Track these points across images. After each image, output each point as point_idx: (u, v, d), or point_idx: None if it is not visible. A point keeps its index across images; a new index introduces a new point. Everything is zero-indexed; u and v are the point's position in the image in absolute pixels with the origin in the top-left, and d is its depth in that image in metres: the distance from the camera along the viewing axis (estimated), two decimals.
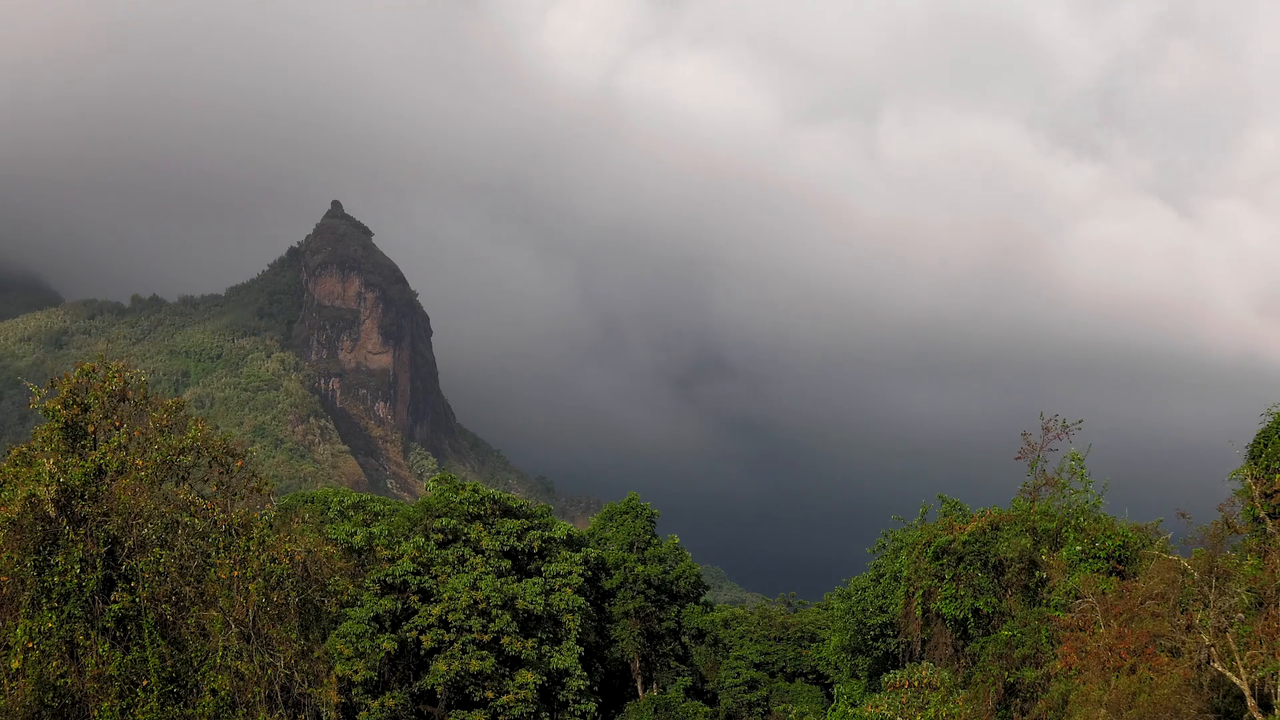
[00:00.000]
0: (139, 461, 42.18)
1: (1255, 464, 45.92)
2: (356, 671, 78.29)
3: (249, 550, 42.64)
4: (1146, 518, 54.58)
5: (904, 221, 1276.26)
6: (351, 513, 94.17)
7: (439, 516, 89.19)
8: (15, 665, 38.89)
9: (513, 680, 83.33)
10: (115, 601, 40.52)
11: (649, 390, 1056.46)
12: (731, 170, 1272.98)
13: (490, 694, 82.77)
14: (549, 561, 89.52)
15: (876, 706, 66.76)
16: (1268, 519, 44.92)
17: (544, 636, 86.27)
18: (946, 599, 54.86)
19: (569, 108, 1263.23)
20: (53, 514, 40.27)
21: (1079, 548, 51.52)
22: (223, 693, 40.96)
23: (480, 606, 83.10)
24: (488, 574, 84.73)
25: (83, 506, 40.74)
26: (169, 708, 40.40)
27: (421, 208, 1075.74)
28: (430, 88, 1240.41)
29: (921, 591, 56.64)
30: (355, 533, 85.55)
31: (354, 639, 79.53)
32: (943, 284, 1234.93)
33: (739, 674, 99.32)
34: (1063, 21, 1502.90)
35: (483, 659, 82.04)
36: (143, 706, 39.81)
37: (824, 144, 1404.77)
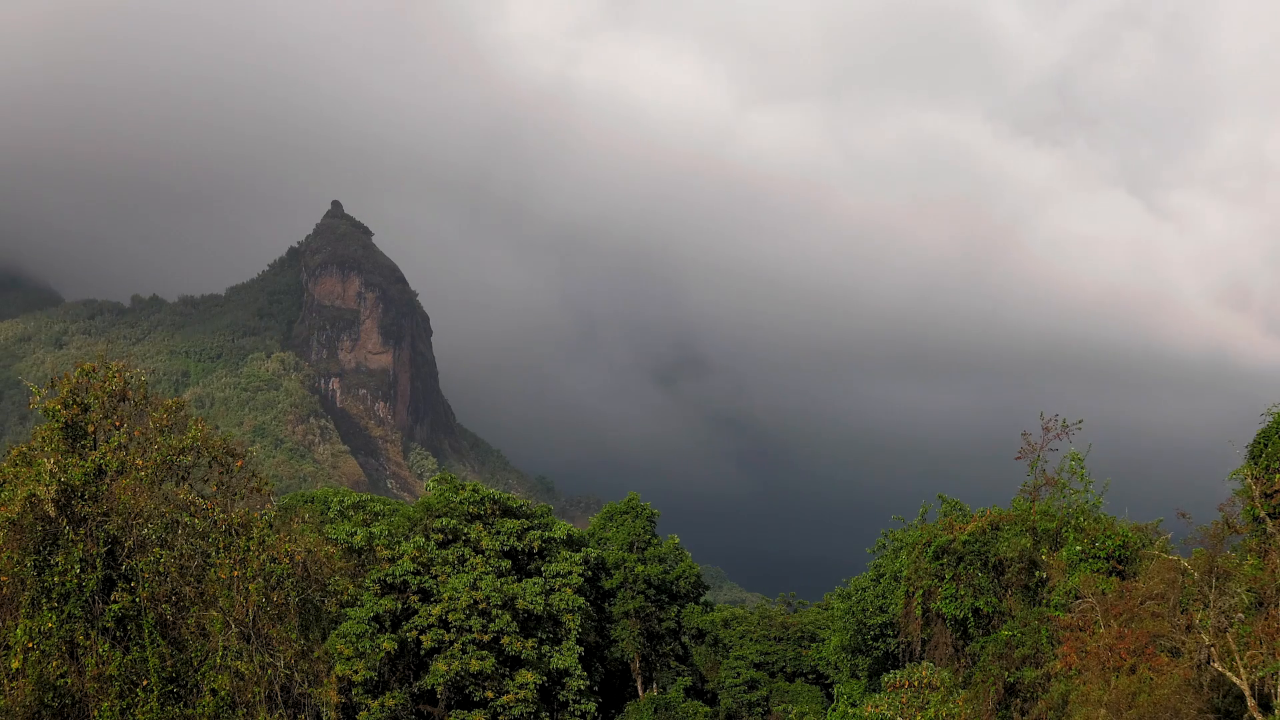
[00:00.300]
0: (139, 461, 42.16)
1: (1255, 464, 45.90)
2: (356, 671, 78.31)
3: (249, 550, 42.61)
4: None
5: (872, 214, 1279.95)
6: (351, 513, 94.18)
7: (439, 516, 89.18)
8: (15, 665, 38.88)
9: (513, 680, 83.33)
10: (115, 601, 40.51)
11: (633, 387, 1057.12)
12: (698, 164, 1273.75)
13: (490, 694, 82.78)
14: (549, 561, 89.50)
15: (876, 706, 66.78)
16: (1268, 519, 44.90)
17: (544, 636, 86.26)
18: (946, 599, 54.85)
19: (536, 101, 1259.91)
20: (53, 514, 40.26)
21: (1079, 548, 51.51)
22: (223, 693, 40.95)
23: (480, 606, 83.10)
24: (488, 574, 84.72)
25: (83, 506, 40.73)
26: (169, 708, 40.38)
27: (398, 205, 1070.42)
28: (402, 84, 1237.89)
29: (921, 591, 56.62)
30: (355, 533, 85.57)
31: (354, 639, 79.55)
32: (915, 277, 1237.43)
33: (739, 674, 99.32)
34: (1017, 14, 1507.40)
35: (483, 659, 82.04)
36: (143, 706, 39.80)
37: (790, 136, 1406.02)
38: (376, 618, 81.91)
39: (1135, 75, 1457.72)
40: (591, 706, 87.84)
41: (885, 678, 68.90)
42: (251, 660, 41.76)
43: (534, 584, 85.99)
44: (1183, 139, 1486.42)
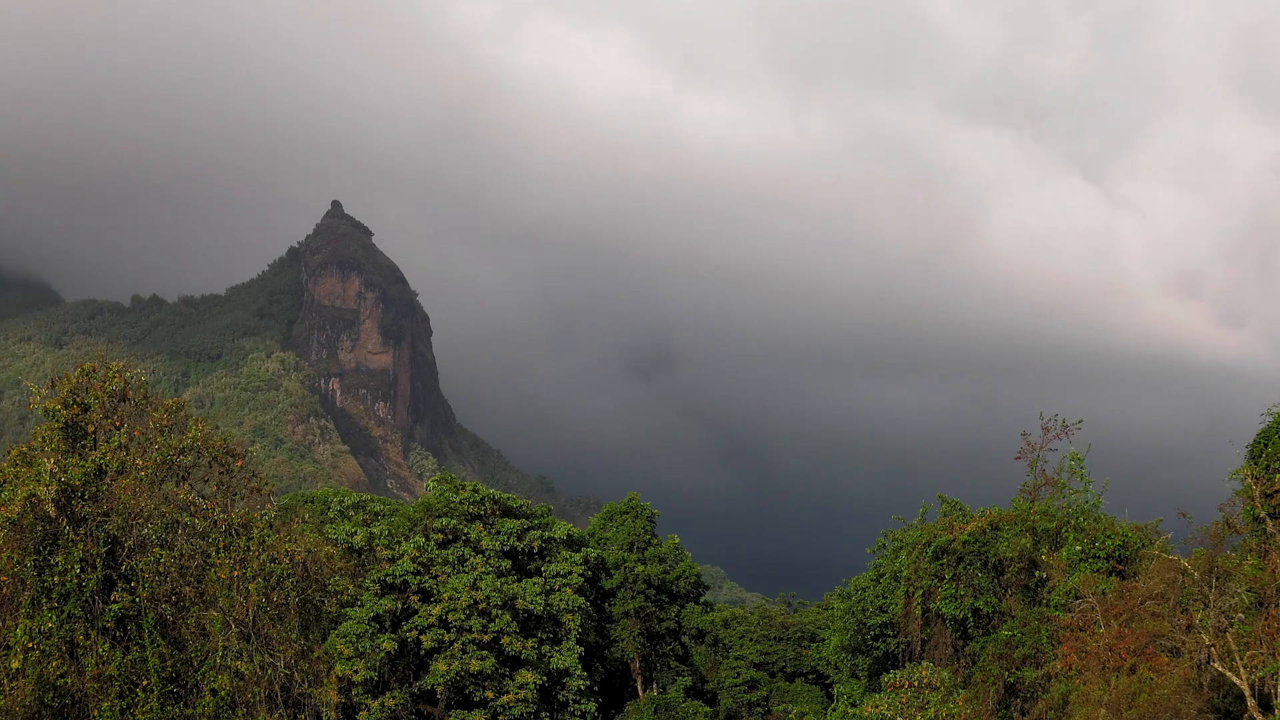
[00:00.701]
0: (139, 461, 42.18)
1: (1255, 464, 45.90)
2: (356, 671, 78.32)
3: (249, 550, 42.63)
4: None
5: (830, 204, 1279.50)
6: (351, 513, 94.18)
7: (439, 516, 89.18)
8: (15, 665, 38.89)
9: (513, 680, 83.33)
10: (115, 601, 40.52)
11: (613, 385, 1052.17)
12: (651, 156, 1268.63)
13: (490, 694, 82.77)
14: (549, 561, 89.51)
15: (876, 706, 66.77)
16: (1268, 519, 44.91)
17: (544, 636, 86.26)
18: (946, 599, 54.86)
19: (490, 96, 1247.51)
20: (53, 514, 40.27)
21: (1079, 548, 51.53)
22: (223, 693, 40.96)
23: (480, 606, 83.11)
24: (488, 574, 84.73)
25: (83, 506, 40.74)
26: (169, 708, 40.40)
27: (385, 206, 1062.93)
28: (356, 80, 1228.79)
29: (921, 591, 56.65)
30: (355, 533, 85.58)
31: (354, 639, 79.56)
32: (879, 263, 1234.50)
33: (739, 674, 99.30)
34: (954, 2, 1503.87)
35: (483, 659, 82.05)
36: (143, 706, 39.81)
37: (739, 126, 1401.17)
38: (376, 618, 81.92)
39: (1078, 65, 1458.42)
40: (591, 706, 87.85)
41: (885, 678, 68.88)
42: (251, 660, 41.77)
43: (534, 584, 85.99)
44: (1131, 129, 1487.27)
